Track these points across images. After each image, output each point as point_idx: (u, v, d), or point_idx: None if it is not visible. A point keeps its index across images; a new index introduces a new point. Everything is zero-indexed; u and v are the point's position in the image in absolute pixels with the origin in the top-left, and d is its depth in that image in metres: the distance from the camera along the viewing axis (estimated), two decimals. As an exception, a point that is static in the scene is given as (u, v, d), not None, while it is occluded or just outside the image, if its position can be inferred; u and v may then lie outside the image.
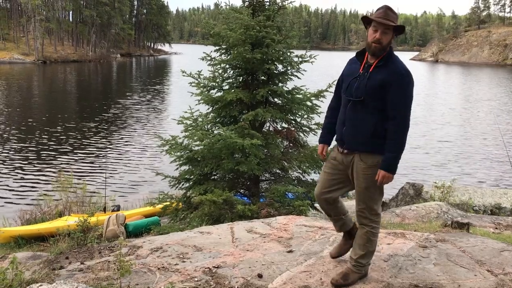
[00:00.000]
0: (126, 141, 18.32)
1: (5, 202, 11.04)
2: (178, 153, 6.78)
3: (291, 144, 7.18)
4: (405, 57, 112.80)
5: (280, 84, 7.16)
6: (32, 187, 12.26)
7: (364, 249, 3.01)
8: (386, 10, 2.79)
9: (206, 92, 7.10)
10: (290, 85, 7.25)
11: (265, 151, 6.72)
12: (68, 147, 16.75)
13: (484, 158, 16.75)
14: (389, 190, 11.82)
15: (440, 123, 23.97)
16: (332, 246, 3.68)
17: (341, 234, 3.41)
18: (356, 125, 2.89)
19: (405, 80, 2.79)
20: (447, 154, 17.38)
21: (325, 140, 3.24)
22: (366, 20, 2.89)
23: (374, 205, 2.95)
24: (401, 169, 14.94)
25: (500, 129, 18.47)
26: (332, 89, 3.49)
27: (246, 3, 7.27)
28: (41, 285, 2.54)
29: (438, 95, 37.55)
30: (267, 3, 7.30)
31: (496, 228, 5.40)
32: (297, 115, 7.14)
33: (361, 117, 2.87)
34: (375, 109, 2.84)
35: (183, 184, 7.02)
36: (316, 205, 7.17)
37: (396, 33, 2.84)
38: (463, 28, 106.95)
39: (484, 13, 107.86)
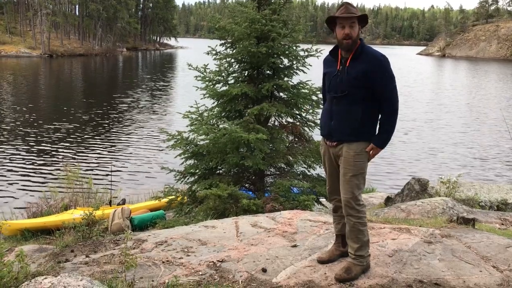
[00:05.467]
0: (132, 135, 18.38)
1: (12, 195, 11.12)
2: (184, 148, 6.79)
3: (296, 139, 7.17)
4: (412, 51, 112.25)
5: (285, 79, 7.14)
6: (39, 180, 12.33)
7: (358, 241, 3.07)
8: (347, 6, 2.97)
9: (212, 86, 7.09)
10: (295, 80, 7.22)
11: (270, 145, 6.71)
12: (74, 141, 16.82)
13: (490, 154, 16.64)
14: (395, 185, 11.82)
15: (447, 119, 23.82)
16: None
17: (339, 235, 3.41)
18: (343, 118, 3.03)
19: (385, 65, 2.96)
20: (453, 150, 17.28)
21: None
22: (331, 21, 3.03)
23: (358, 195, 3.05)
24: (407, 164, 14.95)
25: (507, 125, 18.32)
26: None
27: (252, -3, 7.24)
28: (46, 278, 2.56)
29: (446, 90, 37.28)
30: (273, -3, 7.26)
31: (502, 224, 5.37)
32: (303, 110, 7.11)
33: (347, 110, 3.02)
34: (359, 100, 2.99)
35: (188, 178, 7.03)
36: (321, 199, 7.17)
37: (361, 24, 2.99)
38: (471, 23, 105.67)
39: (492, 8, 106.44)
